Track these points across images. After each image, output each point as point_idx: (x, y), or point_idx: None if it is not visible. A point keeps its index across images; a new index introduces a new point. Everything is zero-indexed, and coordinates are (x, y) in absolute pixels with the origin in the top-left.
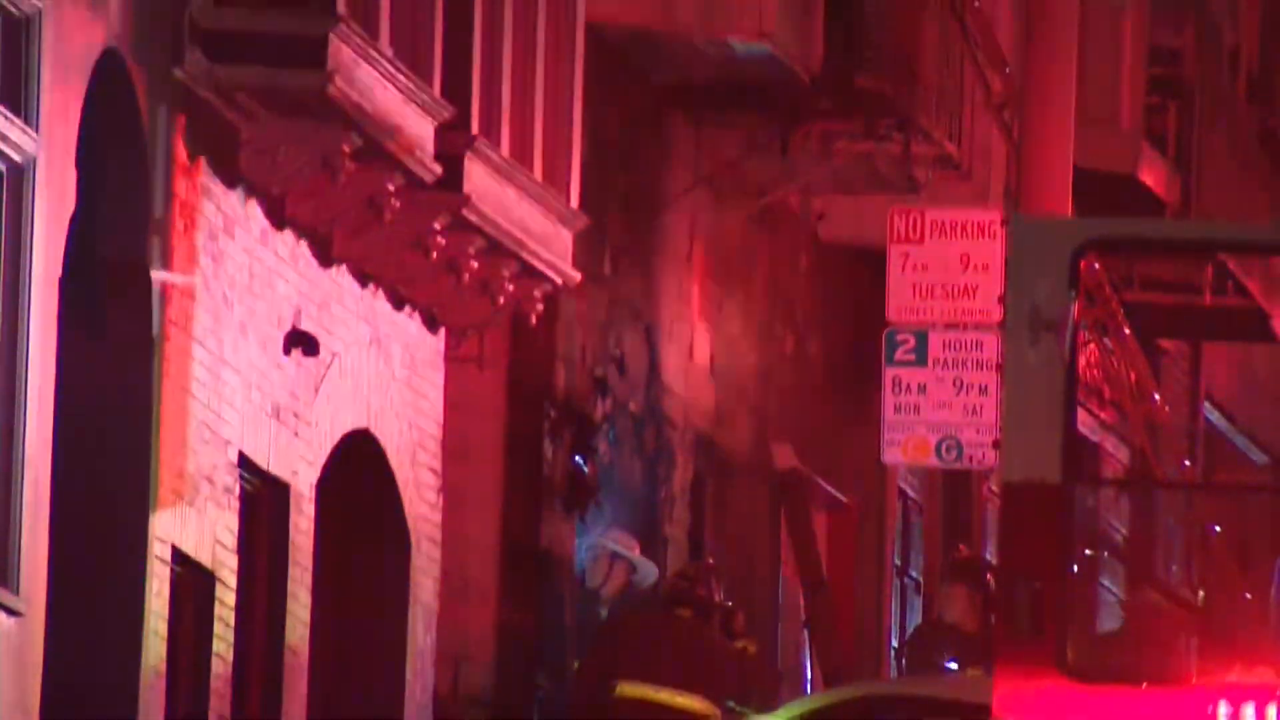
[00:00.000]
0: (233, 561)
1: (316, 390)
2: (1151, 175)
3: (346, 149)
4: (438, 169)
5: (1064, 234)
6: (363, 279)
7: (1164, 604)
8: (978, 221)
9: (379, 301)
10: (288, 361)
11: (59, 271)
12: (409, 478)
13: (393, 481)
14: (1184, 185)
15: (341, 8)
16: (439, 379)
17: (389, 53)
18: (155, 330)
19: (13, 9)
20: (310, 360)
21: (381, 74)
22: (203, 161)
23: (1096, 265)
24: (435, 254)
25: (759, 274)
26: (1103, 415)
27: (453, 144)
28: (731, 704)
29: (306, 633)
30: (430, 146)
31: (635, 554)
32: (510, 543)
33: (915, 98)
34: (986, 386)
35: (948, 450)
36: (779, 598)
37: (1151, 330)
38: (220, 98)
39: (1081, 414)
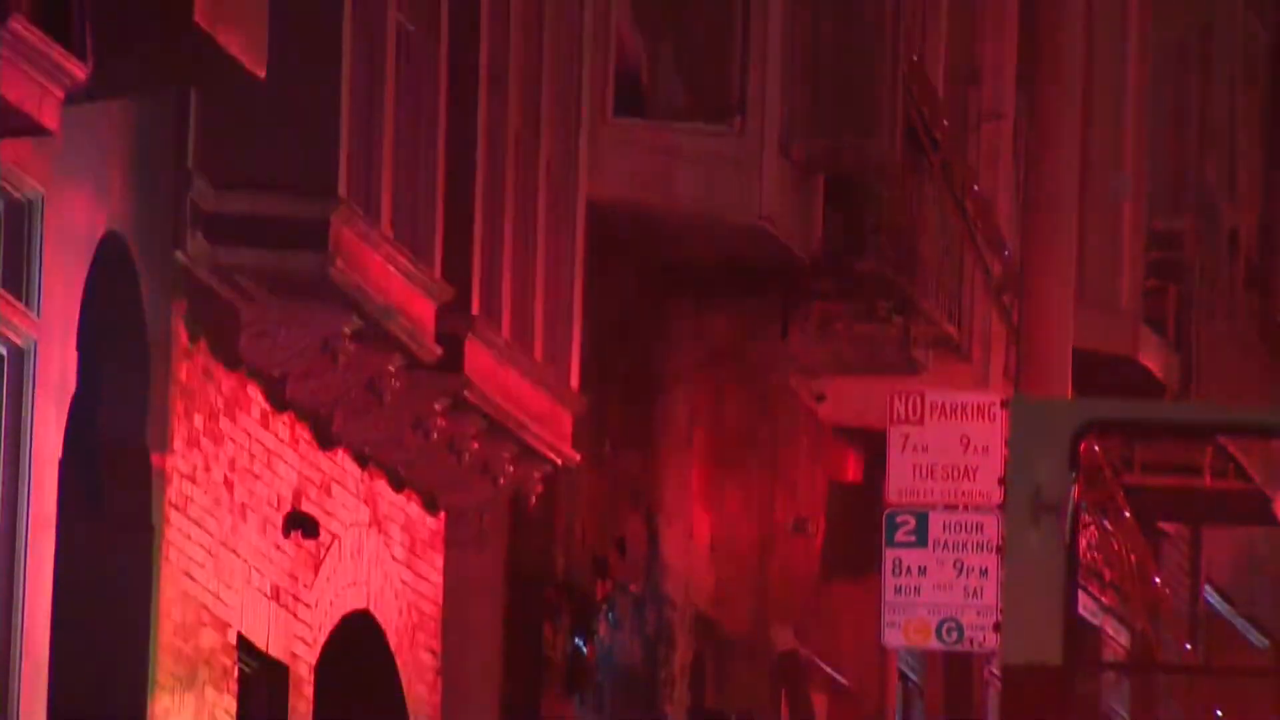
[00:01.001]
0: None
1: (316, 572)
2: (1151, 358)
3: (347, 331)
4: (438, 350)
5: (1064, 416)
6: (362, 460)
7: None
8: (978, 403)
9: (379, 483)
10: (287, 543)
11: (58, 454)
12: (408, 659)
13: (392, 662)
14: (1184, 368)
15: (343, 190)
16: (438, 560)
17: (390, 234)
18: (155, 513)
19: (14, 192)
20: (310, 542)
21: (382, 256)
22: (203, 344)
23: (1096, 448)
24: (435, 435)
25: (759, 455)
26: (1103, 598)
27: (453, 325)
28: None
29: None
30: (430, 328)
31: None
32: None
33: (915, 280)
34: (987, 569)
35: (948, 632)
36: None
37: (1152, 513)
38: (221, 280)
39: (1082, 596)
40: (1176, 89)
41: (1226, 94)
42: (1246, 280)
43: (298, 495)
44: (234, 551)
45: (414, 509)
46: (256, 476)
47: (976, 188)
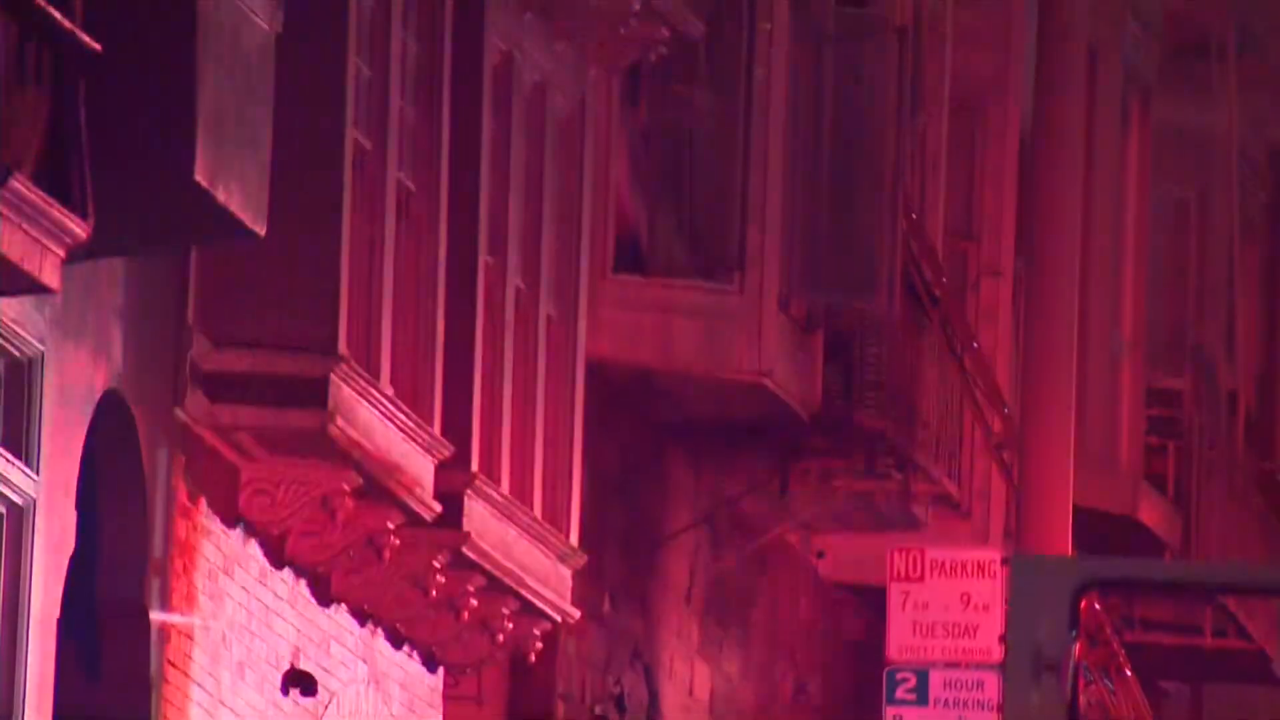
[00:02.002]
0: None
1: None
2: (1151, 515)
3: (346, 488)
4: (437, 507)
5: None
6: (361, 617)
7: None
8: (978, 560)
9: (378, 640)
10: (286, 701)
11: (57, 612)
12: None
13: None
14: (1184, 526)
15: (343, 347)
16: (438, 718)
17: (389, 392)
18: (153, 670)
19: (15, 351)
20: (308, 699)
21: (382, 413)
22: (202, 501)
23: (1097, 606)
24: (434, 592)
25: (759, 611)
26: None
27: (453, 482)
28: None
29: None
30: (430, 484)
31: None
32: None
33: (915, 436)
34: None
35: None
36: None
37: (1152, 671)
38: (220, 438)
39: None
40: (1175, 248)
41: (1225, 253)
42: (1246, 438)
43: (296, 652)
44: (232, 710)
45: (413, 666)
46: (255, 634)
47: (976, 344)
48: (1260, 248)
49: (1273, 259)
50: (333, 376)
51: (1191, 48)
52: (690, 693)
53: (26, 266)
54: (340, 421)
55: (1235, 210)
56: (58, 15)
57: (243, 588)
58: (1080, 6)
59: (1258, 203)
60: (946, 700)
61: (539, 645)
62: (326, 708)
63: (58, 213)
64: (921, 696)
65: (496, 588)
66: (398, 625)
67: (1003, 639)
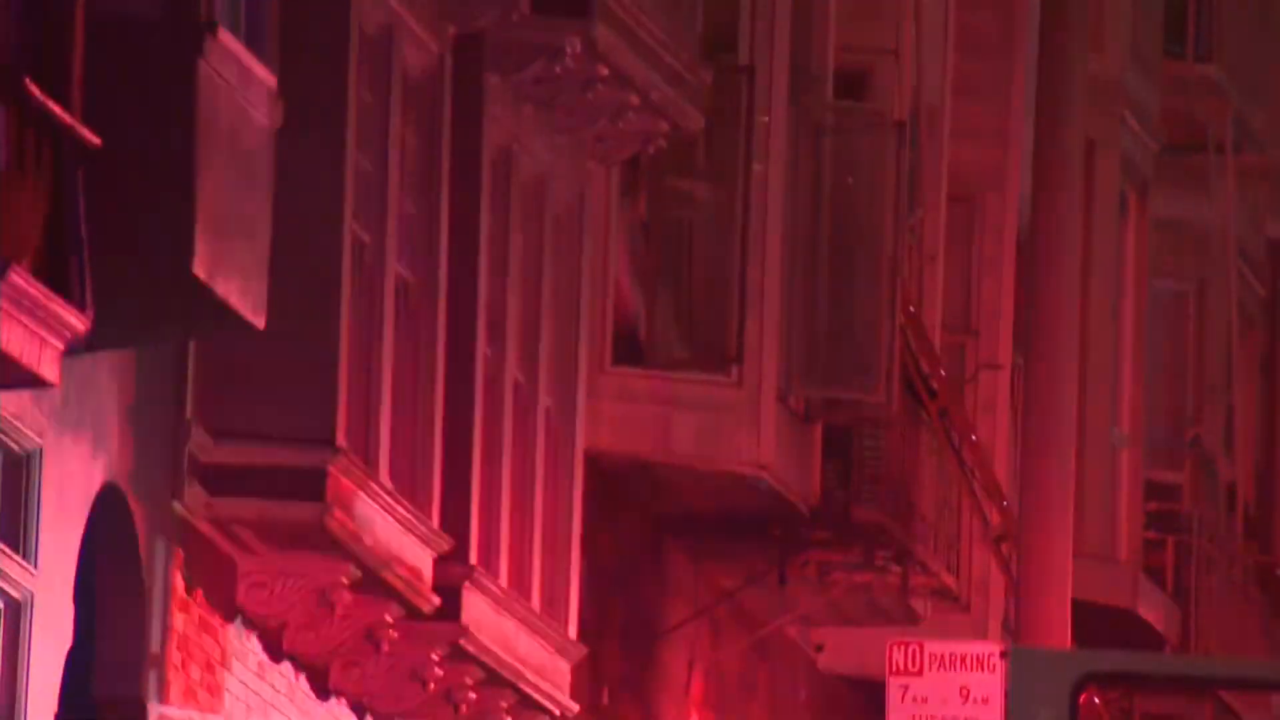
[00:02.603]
0: None
1: None
2: (1150, 609)
3: (345, 581)
4: (436, 600)
5: (1063, 666)
6: (360, 711)
7: None
8: (977, 654)
9: None
10: None
11: (55, 707)
12: None
13: None
14: (1183, 620)
15: (341, 440)
16: None
17: (388, 484)
18: None
19: (13, 445)
20: None
21: (380, 505)
22: (200, 594)
23: (1096, 699)
24: (433, 685)
25: (758, 704)
26: None
27: (451, 575)
28: None
29: None
30: (429, 577)
31: None
32: None
33: (913, 529)
34: None
35: None
36: None
37: None
38: (218, 531)
39: None
40: (1173, 341)
41: (1223, 347)
42: (1245, 532)
43: None
44: None
45: None
46: None
47: (974, 437)
48: (1258, 341)
49: (1271, 353)
50: (331, 469)
51: (1189, 142)
52: None
53: (25, 360)
54: (338, 514)
55: (1233, 304)
56: (57, 108)
57: (241, 681)
58: (1077, 101)
59: (1255, 296)
60: None
61: None
62: None
63: (57, 306)
64: None
65: (495, 681)
66: (395, 718)
67: None
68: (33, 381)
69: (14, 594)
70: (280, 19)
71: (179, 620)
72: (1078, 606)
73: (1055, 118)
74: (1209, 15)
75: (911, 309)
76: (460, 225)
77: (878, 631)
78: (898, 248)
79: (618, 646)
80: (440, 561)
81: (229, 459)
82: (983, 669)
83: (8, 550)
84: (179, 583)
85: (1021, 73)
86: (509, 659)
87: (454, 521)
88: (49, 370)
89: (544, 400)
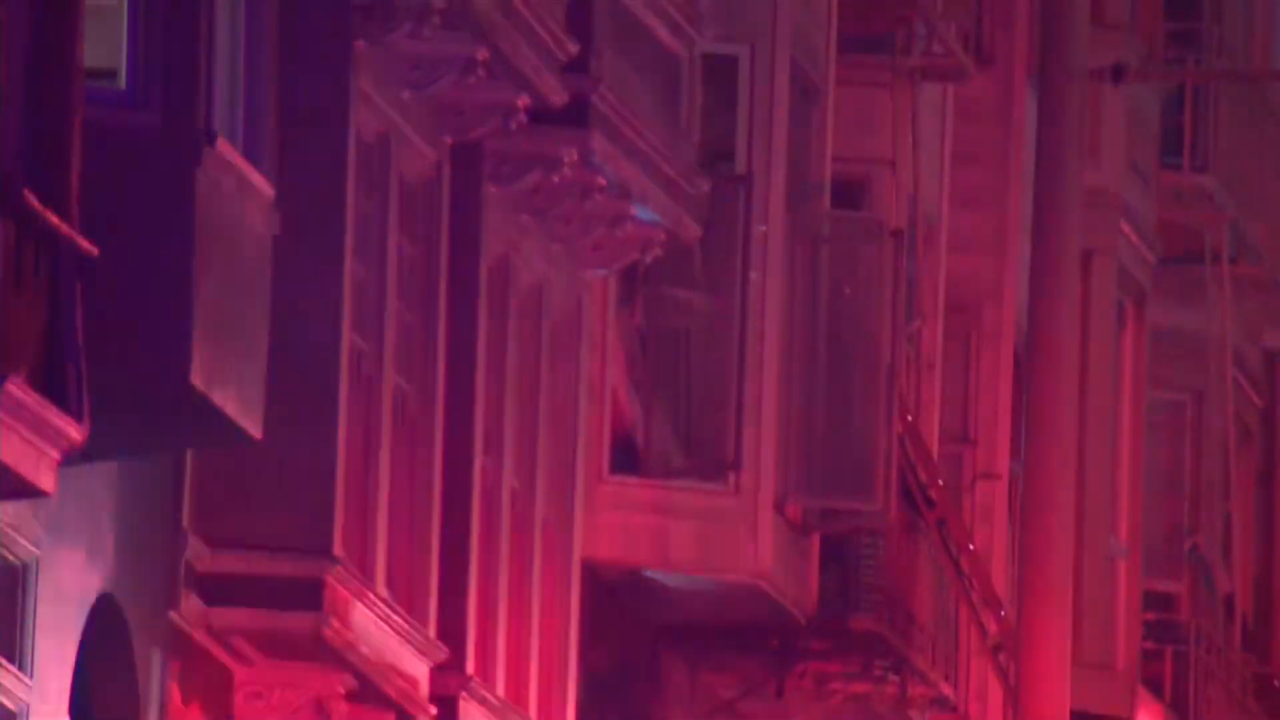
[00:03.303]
0: None
1: None
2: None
3: (342, 691)
4: (433, 710)
5: None
6: None
7: None
8: None
9: None
10: None
11: None
12: None
13: None
14: None
15: (338, 550)
16: None
17: (385, 594)
18: None
19: (9, 556)
20: None
21: (377, 615)
22: (197, 705)
23: None
24: None
25: None
26: None
27: (448, 685)
28: None
29: None
30: (425, 687)
31: None
32: None
33: (911, 639)
34: None
35: None
36: None
37: None
38: (215, 641)
39: None
40: (1170, 451)
41: (1220, 457)
42: (1243, 643)
43: None
44: None
45: None
46: None
47: (972, 546)
48: (1255, 451)
49: (1268, 463)
50: (328, 579)
51: (1186, 253)
52: None
53: (22, 470)
54: (335, 624)
55: (1230, 414)
56: (54, 218)
57: None
58: (1074, 212)
59: (1252, 407)
60: None
61: None
62: None
63: (53, 416)
64: None
65: None
66: None
67: None
68: (29, 492)
69: (9, 705)
70: (279, 127)
71: None
72: (1076, 716)
73: (1052, 228)
74: (1205, 127)
75: (909, 418)
76: (458, 334)
77: None
78: (895, 357)
79: None
80: (437, 671)
81: (225, 568)
82: None
83: (3, 661)
84: (175, 693)
85: (1018, 183)
86: None
87: (451, 631)
88: (45, 481)
89: (541, 509)
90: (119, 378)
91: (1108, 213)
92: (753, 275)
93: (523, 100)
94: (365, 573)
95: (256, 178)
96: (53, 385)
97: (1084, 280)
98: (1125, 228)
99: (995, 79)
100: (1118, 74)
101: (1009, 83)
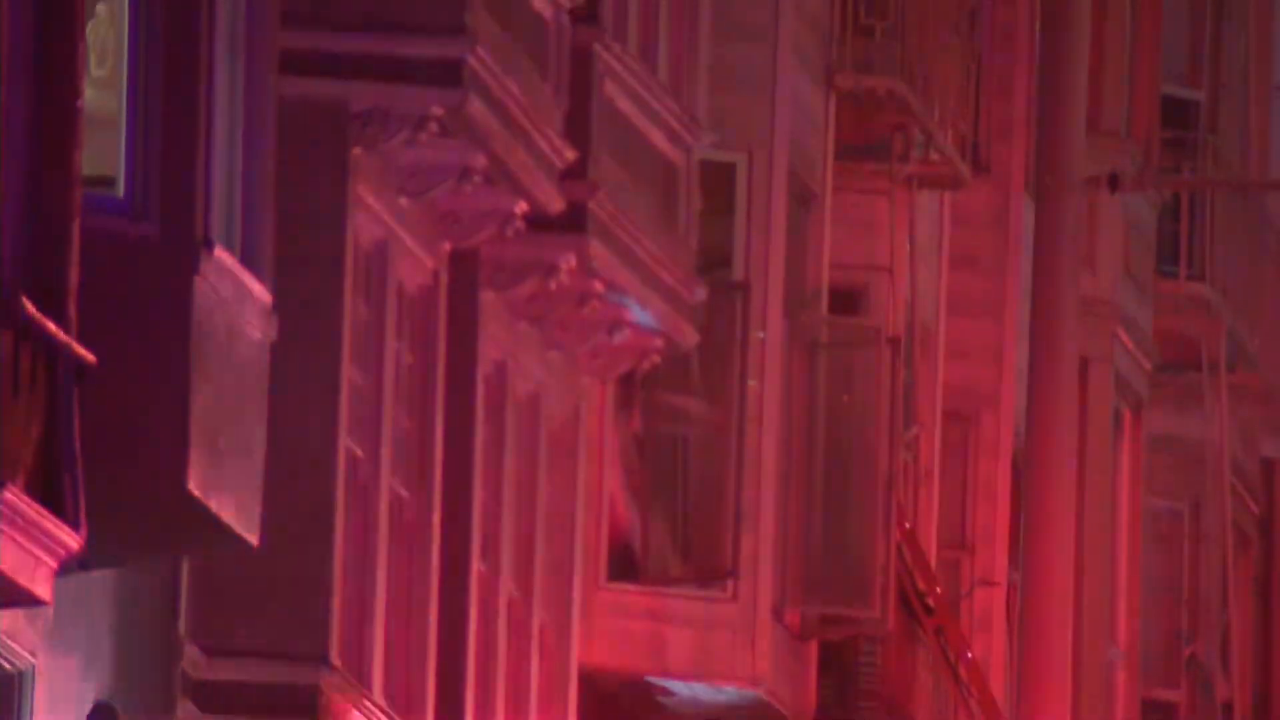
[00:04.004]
0: None
1: None
2: None
3: None
4: None
5: None
6: None
7: None
8: None
9: None
10: None
11: None
12: None
13: None
14: None
15: (335, 657)
16: None
17: (381, 701)
18: None
19: (5, 664)
20: None
21: (366, 716)
22: None
23: None
24: None
25: None
26: None
27: None
28: None
29: None
30: None
31: None
32: None
33: None
34: None
35: None
36: None
37: None
38: None
39: None
40: (1168, 558)
41: (1218, 564)
42: None
43: None
44: None
45: None
46: None
47: (970, 654)
48: (1253, 559)
49: (1266, 570)
50: (324, 685)
51: (1182, 361)
52: None
53: (19, 579)
54: None
55: (1228, 521)
56: (52, 326)
57: None
58: (1071, 319)
59: (1250, 515)
60: None
61: None
62: None
63: (50, 524)
64: None
65: None
66: None
67: None
68: (26, 600)
69: None
70: (277, 234)
71: None
72: None
73: (1050, 336)
74: (1202, 235)
75: (907, 525)
76: (455, 441)
77: None
78: (893, 464)
79: None
80: None
81: (222, 675)
82: None
83: None
84: None
85: (1016, 290)
86: None
87: None
88: (42, 589)
89: (539, 616)
90: (116, 485)
91: (1105, 321)
92: (750, 382)
93: (520, 207)
94: (362, 680)
95: (254, 284)
96: (50, 493)
97: (1081, 388)
98: (1122, 336)
99: (993, 186)
100: (1114, 182)
101: (1006, 190)
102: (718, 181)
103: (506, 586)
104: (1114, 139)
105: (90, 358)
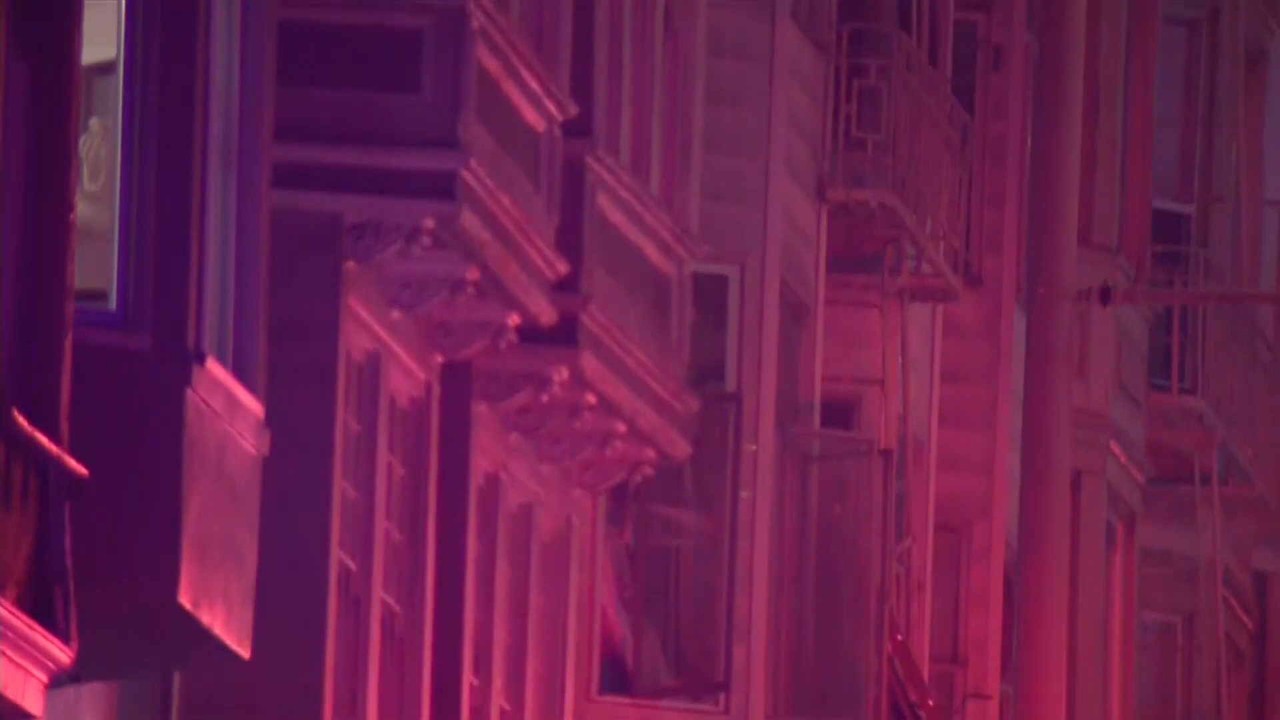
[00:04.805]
0: None
1: None
2: None
3: None
4: None
5: None
6: None
7: None
8: None
9: None
10: None
11: None
12: None
13: None
14: None
15: None
16: None
17: None
18: None
19: None
20: None
21: None
22: None
23: None
24: None
25: None
26: None
27: None
28: None
29: None
30: None
31: None
32: None
33: None
34: None
35: None
36: None
37: None
38: None
39: None
40: (1161, 672)
41: (1211, 678)
42: None
43: None
44: None
45: None
46: None
47: None
48: (1246, 673)
49: (1259, 684)
50: None
51: (1175, 474)
52: None
53: (9, 693)
54: None
55: (1221, 635)
56: (44, 439)
57: None
58: (1063, 432)
59: (1243, 628)
60: None
61: None
62: None
63: (41, 638)
64: None
65: None
66: None
67: None
68: (17, 714)
69: None
70: (269, 346)
71: None
72: None
73: (1042, 448)
74: (1193, 348)
75: (899, 637)
76: (447, 553)
77: None
78: (885, 576)
79: None
80: None
81: None
82: None
83: None
84: None
85: (1008, 402)
86: None
87: None
88: (33, 703)
89: None
90: (108, 599)
91: (1097, 433)
92: (743, 494)
93: (513, 319)
94: None
95: (246, 397)
96: (41, 607)
97: (1074, 500)
98: (1114, 448)
99: (984, 298)
100: (1105, 295)
101: (998, 302)
102: (710, 293)
103: (498, 699)
104: (1105, 252)
105: (82, 471)
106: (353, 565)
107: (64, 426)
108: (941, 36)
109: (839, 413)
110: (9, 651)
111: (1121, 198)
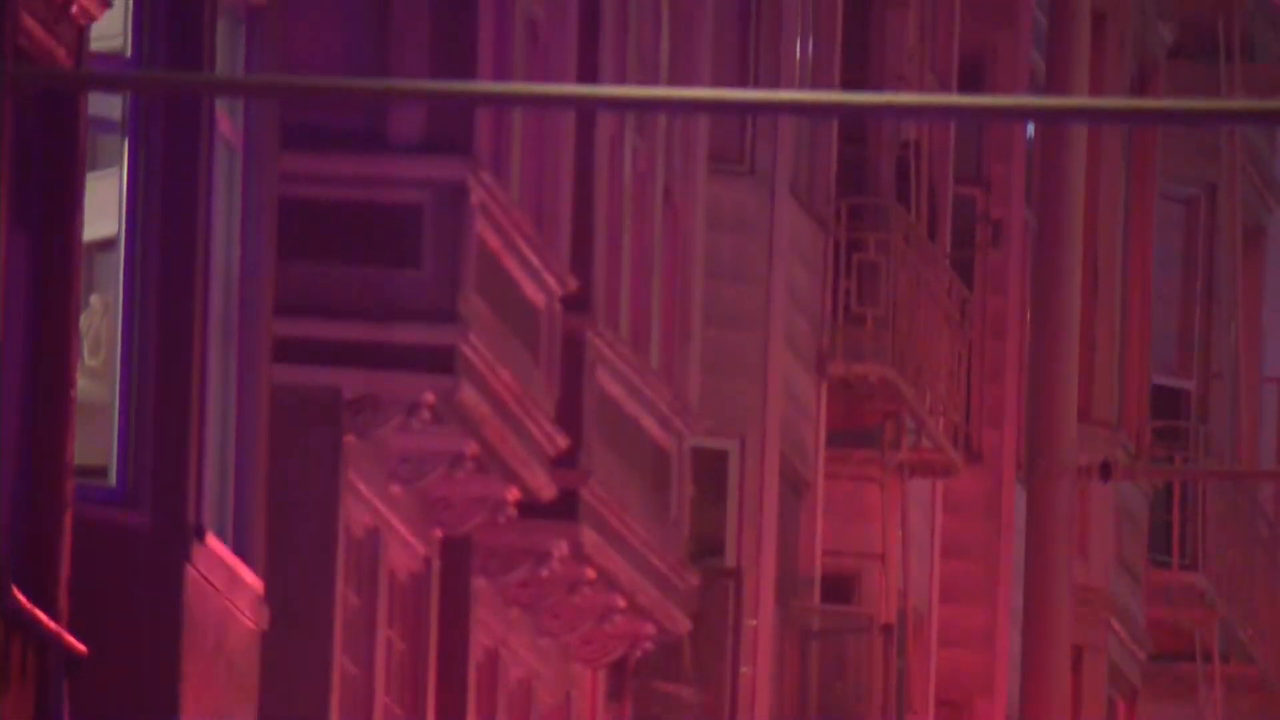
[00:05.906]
0: None
1: None
2: None
3: None
4: None
5: None
6: None
7: None
8: None
9: None
10: None
11: None
12: None
13: None
14: None
15: None
16: None
17: None
18: None
19: None
20: None
21: None
22: None
23: None
24: None
25: None
26: None
27: None
28: None
29: None
30: None
31: None
32: None
33: None
34: None
35: None
36: None
37: None
38: None
39: None
40: None
41: None
42: None
43: None
44: None
45: None
46: None
47: None
48: None
49: None
50: None
51: (1177, 651)
52: None
53: None
54: None
55: None
56: (43, 617)
57: None
58: (1064, 608)
59: None
60: None
61: None
62: None
63: None
64: None
65: None
66: None
67: None
68: None
69: None
70: (269, 522)
71: None
72: None
73: (1042, 624)
74: (1194, 525)
75: None
76: None
77: None
78: None
79: None
80: None
81: None
82: None
83: None
84: None
85: (1008, 578)
86: None
87: None
88: None
89: None
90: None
91: (1098, 609)
92: (743, 669)
93: (512, 494)
94: None
95: (246, 573)
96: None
97: (1075, 676)
98: (1115, 625)
99: (984, 474)
100: (1106, 471)
101: (998, 478)
102: (710, 468)
103: None
104: (1105, 428)
105: (81, 648)
106: None
107: (63, 603)
108: (941, 211)
109: (839, 588)
110: None
111: (1121, 373)
